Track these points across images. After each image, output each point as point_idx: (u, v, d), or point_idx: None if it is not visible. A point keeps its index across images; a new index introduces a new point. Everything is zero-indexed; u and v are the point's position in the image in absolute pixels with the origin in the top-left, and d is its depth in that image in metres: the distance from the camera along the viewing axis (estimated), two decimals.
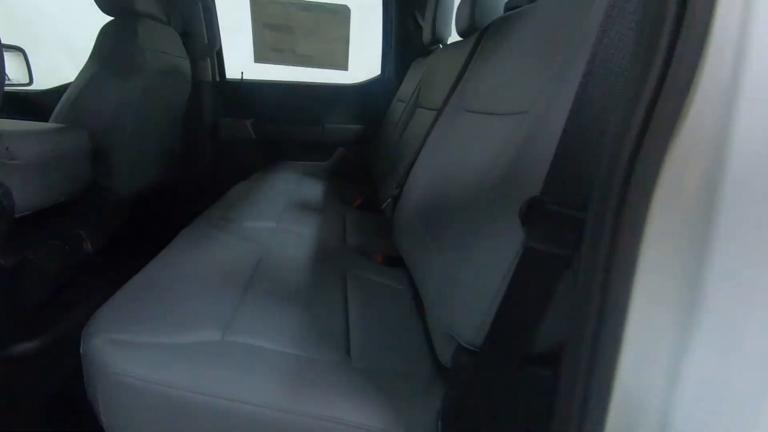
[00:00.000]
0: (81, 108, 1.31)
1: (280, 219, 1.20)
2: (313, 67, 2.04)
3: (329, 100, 2.06)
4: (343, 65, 2.06)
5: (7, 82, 1.96)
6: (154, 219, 1.93)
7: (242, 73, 2.01)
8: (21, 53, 1.97)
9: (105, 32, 1.32)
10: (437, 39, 1.52)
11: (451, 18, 1.53)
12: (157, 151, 1.65)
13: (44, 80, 1.97)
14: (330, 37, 1.99)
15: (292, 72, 2.05)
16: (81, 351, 0.59)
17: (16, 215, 1.01)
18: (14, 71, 1.99)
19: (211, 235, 1.00)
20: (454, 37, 1.56)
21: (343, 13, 1.94)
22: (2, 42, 2.00)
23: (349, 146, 2.09)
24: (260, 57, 2.00)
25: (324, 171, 2.09)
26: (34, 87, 1.94)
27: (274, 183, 1.56)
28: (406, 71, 1.89)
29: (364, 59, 2.14)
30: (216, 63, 1.96)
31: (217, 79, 1.98)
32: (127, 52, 1.32)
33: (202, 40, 1.83)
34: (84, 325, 0.62)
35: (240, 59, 2.05)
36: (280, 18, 1.92)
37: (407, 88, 1.72)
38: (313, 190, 1.63)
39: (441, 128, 1.00)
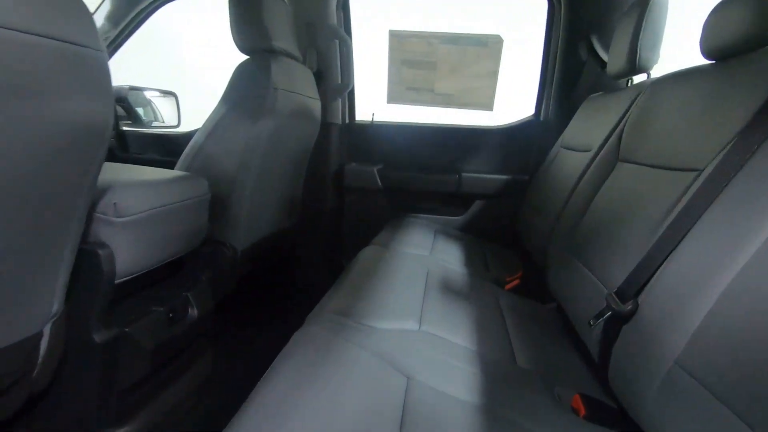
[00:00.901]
0: (206, 154, 1.19)
1: (420, 317, 0.87)
2: (453, 107, 1.76)
3: (468, 145, 1.74)
4: (488, 105, 1.74)
5: (159, 123, 2.05)
6: (268, 275, 1.78)
7: (373, 114, 1.81)
8: (174, 97, 2.05)
9: (239, 71, 1.19)
10: (639, 67, 1.11)
11: (661, 38, 1.11)
12: (279, 198, 1.49)
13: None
14: (476, 73, 1.69)
15: (428, 113, 1.80)
16: None
17: (118, 280, 0.85)
18: (167, 114, 2.09)
19: (336, 348, 0.69)
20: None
21: (495, 44, 1.64)
22: (159, 88, 2.11)
23: (490, 200, 1.73)
24: (394, 97, 1.79)
25: (459, 228, 1.75)
26: (181, 129, 2.00)
27: (405, 252, 1.25)
28: (573, 110, 1.49)
29: (509, 96, 1.79)
30: (347, 104, 1.79)
31: (347, 120, 1.81)
32: (259, 91, 1.17)
33: (336, 79, 1.68)
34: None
35: (371, 98, 1.87)
36: (420, 53, 1.69)
37: (581, 131, 1.32)
38: (452, 258, 1.29)
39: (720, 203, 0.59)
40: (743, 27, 0.70)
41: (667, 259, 0.60)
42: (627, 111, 1.04)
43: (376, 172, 1.74)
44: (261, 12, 1.19)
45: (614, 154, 0.98)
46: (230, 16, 1.21)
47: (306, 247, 1.83)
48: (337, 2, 1.61)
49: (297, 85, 1.35)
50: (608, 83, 1.49)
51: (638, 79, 1.24)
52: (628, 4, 1.36)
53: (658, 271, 0.61)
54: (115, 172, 0.91)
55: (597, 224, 0.92)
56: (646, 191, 0.80)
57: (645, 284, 0.62)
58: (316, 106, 1.53)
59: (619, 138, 0.99)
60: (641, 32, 1.09)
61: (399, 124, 1.79)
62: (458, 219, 1.76)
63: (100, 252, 0.80)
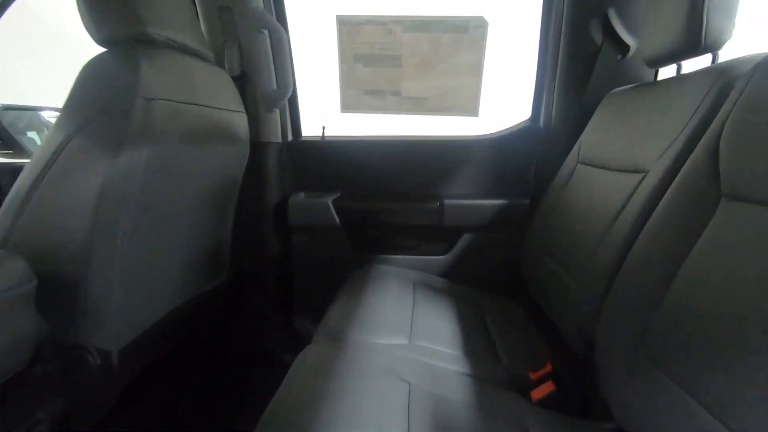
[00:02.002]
0: (34, 211, 0.73)
1: None
2: (427, 114, 1.35)
3: (450, 162, 1.34)
4: (471, 109, 1.34)
5: None
6: (187, 361, 1.30)
7: (323, 128, 1.38)
8: None
9: (86, 74, 0.74)
10: (708, 44, 0.73)
11: (737, 5, 0.73)
12: (191, 254, 1.04)
13: None
14: (454, 68, 1.29)
15: (395, 124, 1.38)
16: None
17: None
18: None
19: None
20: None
21: (478, 29, 1.24)
22: (53, 107, 1.60)
23: (481, 233, 1.32)
24: (350, 104, 1.37)
25: (444, 271, 1.34)
26: None
27: (370, 347, 0.82)
28: (586, 111, 1.11)
29: (499, 96, 1.40)
30: (288, 116, 1.35)
31: (289, 138, 1.37)
32: (118, 105, 0.72)
33: (269, 84, 1.24)
34: None
35: (321, 107, 1.44)
36: (380, 45, 1.28)
37: (610, 141, 0.94)
38: (443, 343, 0.87)
39: None
40: None
41: None
42: (711, 112, 0.65)
43: (330, 203, 1.31)
44: None
45: (709, 183, 0.59)
46: None
47: (243, 311, 1.38)
48: None
49: (199, 92, 0.91)
50: (633, 75, 1.12)
51: (688, 65, 0.86)
52: None
53: None
54: None
55: (698, 309, 0.52)
56: None
57: None
58: (237, 121, 1.10)
59: (713, 157, 0.59)
60: None
61: (359, 139, 1.37)
62: (441, 259, 1.35)
63: None
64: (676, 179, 0.65)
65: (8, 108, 1.64)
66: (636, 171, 0.78)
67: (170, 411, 1.13)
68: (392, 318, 0.91)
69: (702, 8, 0.72)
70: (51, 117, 1.90)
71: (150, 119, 0.75)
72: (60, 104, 0.75)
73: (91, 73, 0.73)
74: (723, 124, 0.59)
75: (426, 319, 0.94)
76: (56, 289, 0.72)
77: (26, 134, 1.85)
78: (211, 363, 1.34)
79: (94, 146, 0.72)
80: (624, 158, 0.84)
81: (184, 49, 0.90)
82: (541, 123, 1.29)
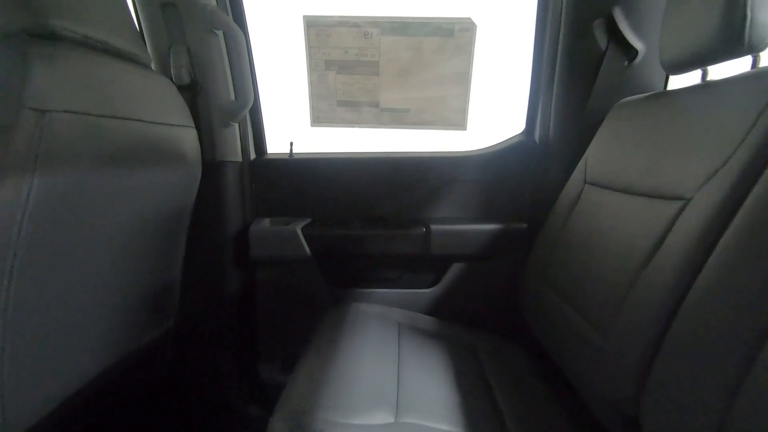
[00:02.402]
0: None
1: None
2: (409, 127, 1.20)
3: (436, 182, 1.18)
4: (459, 122, 1.20)
5: None
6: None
7: (291, 144, 1.21)
8: None
9: None
10: (752, 44, 0.60)
11: None
12: (111, 313, 0.84)
13: None
14: (439, 76, 1.14)
15: (373, 139, 1.22)
16: None
17: None
18: None
19: None
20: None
21: (465, 32, 1.09)
22: None
23: (473, 262, 1.16)
24: (321, 117, 1.20)
25: (431, 306, 1.17)
26: None
27: (353, 396, 0.64)
28: (589, 124, 0.98)
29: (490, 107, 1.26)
30: (250, 131, 1.18)
31: (251, 156, 1.19)
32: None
33: (224, 94, 1.07)
34: None
35: (289, 120, 1.27)
36: (355, 50, 1.12)
37: (614, 159, 0.80)
38: (435, 415, 0.69)
39: None
40: None
41: None
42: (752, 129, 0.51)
43: (299, 231, 1.13)
44: None
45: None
46: None
47: (194, 364, 1.17)
48: None
49: (130, 105, 0.73)
50: (640, 83, 0.99)
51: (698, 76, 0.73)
52: None
53: None
54: None
55: None
56: None
57: None
58: (184, 137, 0.91)
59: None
60: None
61: (332, 156, 1.20)
62: (428, 292, 1.18)
63: None
64: (741, 216, 0.50)
65: None
66: (670, 198, 0.63)
67: None
68: (373, 383, 0.73)
69: (744, 1, 0.58)
70: None
71: (43, 137, 0.56)
72: None
73: None
74: None
75: (415, 382, 0.76)
76: None
77: None
78: (161, 427, 1.12)
79: None
80: (649, 181, 0.70)
81: (106, 49, 0.72)
82: (537, 137, 1.15)
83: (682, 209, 0.59)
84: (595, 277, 0.74)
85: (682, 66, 0.73)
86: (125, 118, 0.72)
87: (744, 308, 0.45)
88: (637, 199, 0.71)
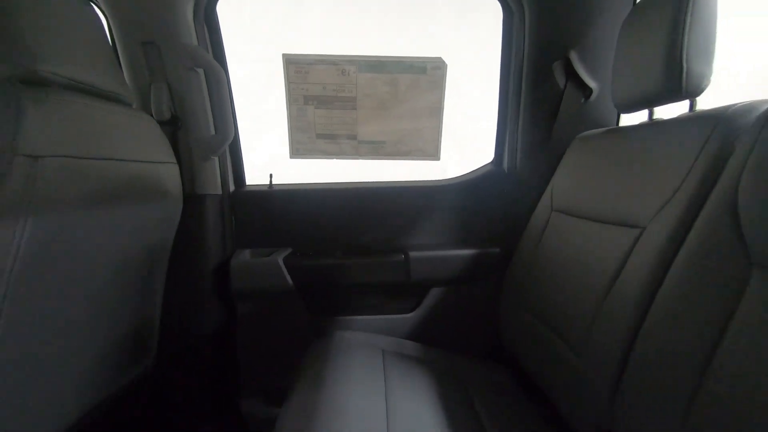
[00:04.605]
0: None
1: None
2: (386, 158, 1.25)
3: (413, 210, 1.23)
4: (432, 153, 1.26)
5: None
6: None
7: (271, 176, 1.23)
8: None
9: None
10: (689, 90, 0.69)
11: (715, 50, 0.70)
12: (91, 355, 0.82)
13: None
14: (413, 110, 1.21)
15: (354, 169, 1.27)
16: None
17: None
18: None
19: None
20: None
21: (437, 71, 1.17)
22: None
23: (451, 286, 1.21)
24: (300, 149, 1.23)
25: (412, 332, 1.20)
26: None
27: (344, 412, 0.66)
28: (552, 155, 1.06)
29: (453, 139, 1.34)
30: (229, 164, 1.19)
31: (231, 188, 1.20)
32: None
33: (205, 129, 1.08)
34: None
35: (268, 152, 1.30)
36: (333, 86, 1.17)
37: (577, 188, 0.87)
38: (423, 425, 0.72)
39: None
40: None
41: None
42: (716, 166, 0.59)
43: (281, 261, 1.14)
44: (9, 8, 0.59)
45: (730, 248, 0.51)
46: None
47: (174, 400, 1.14)
48: (195, 10, 1.03)
49: (115, 145, 0.74)
50: (595, 118, 1.09)
51: (664, 112, 0.82)
52: (622, 6, 0.98)
53: None
54: None
55: (747, 398, 0.43)
56: None
57: None
58: (166, 173, 0.92)
59: (732, 218, 0.52)
60: (686, 32, 0.67)
61: (311, 187, 1.23)
62: (409, 317, 1.21)
63: None
64: (691, 242, 0.57)
65: None
66: (628, 225, 0.70)
67: None
68: (363, 417, 0.75)
69: (681, 54, 0.67)
70: None
71: (36, 183, 0.56)
72: None
73: None
74: (736, 181, 0.52)
75: (404, 414, 0.78)
76: None
77: None
78: None
79: None
80: (609, 210, 0.77)
81: (92, 92, 0.73)
82: (505, 166, 1.23)
83: (638, 236, 0.66)
84: (566, 298, 0.79)
85: (631, 106, 0.82)
86: (110, 159, 0.73)
87: (696, 327, 0.51)
88: (600, 226, 0.78)
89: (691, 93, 0.69)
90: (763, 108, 0.55)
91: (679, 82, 0.68)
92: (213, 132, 1.10)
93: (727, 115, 0.61)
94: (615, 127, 0.95)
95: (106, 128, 0.73)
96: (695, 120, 0.67)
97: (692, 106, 0.75)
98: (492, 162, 1.27)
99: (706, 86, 0.70)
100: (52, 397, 0.72)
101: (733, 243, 0.50)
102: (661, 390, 0.53)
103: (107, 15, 0.98)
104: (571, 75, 1.06)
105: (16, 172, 0.54)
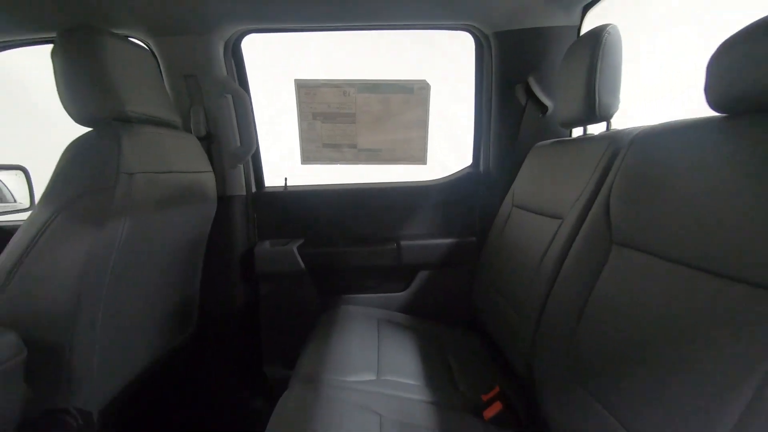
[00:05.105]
0: (20, 285, 0.77)
1: None
2: (381, 163, 1.49)
3: (403, 206, 1.48)
4: (420, 158, 1.50)
5: (3, 206, 1.55)
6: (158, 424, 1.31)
7: (285, 179, 1.48)
8: (23, 173, 1.56)
9: (70, 154, 0.80)
10: (601, 115, 0.92)
11: (620, 83, 0.93)
12: (161, 313, 1.08)
13: None
14: (403, 123, 1.45)
15: (354, 172, 1.51)
16: None
17: None
18: (18, 192, 1.61)
19: None
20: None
21: (422, 91, 1.41)
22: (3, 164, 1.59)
23: (435, 269, 1.46)
24: (310, 156, 1.48)
25: (404, 307, 1.45)
26: None
27: (343, 385, 0.91)
28: (518, 159, 1.30)
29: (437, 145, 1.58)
30: (252, 170, 1.45)
31: (253, 189, 1.45)
32: (103, 181, 0.79)
33: (233, 142, 1.34)
34: None
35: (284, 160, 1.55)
36: (336, 104, 1.41)
37: (537, 190, 1.11)
38: (407, 377, 0.97)
39: None
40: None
41: None
42: (604, 172, 0.83)
43: (295, 250, 1.39)
44: (101, 65, 0.83)
45: (604, 232, 0.75)
46: (55, 75, 0.83)
47: (212, 362, 1.41)
48: (225, 48, 1.28)
49: (170, 161, 0.99)
50: (553, 129, 1.32)
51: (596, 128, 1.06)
52: (569, 40, 1.21)
53: None
54: None
55: (602, 335, 0.67)
56: (683, 295, 0.56)
57: None
58: (206, 180, 1.18)
59: (606, 211, 0.76)
60: (597, 73, 0.90)
61: (319, 188, 1.48)
62: (401, 295, 1.46)
63: None
64: (583, 227, 0.81)
65: None
66: (556, 217, 0.94)
67: None
68: (360, 357, 1.01)
69: (594, 89, 0.91)
70: None
71: (131, 193, 0.82)
72: None
73: (76, 153, 0.80)
74: (611, 184, 0.77)
75: (391, 356, 1.04)
76: (40, 357, 0.76)
77: None
78: (185, 414, 1.34)
79: (80, 221, 0.78)
80: (548, 205, 1.01)
81: (157, 122, 0.98)
82: (481, 168, 1.47)
83: (560, 226, 0.90)
84: (516, 276, 1.04)
85: (569, 124, 1.06)
86: (170, 172, 0.98)
87: (577, 287, 0.75)
88: (541, 218, 1.02)
89: (603, 117, 0.93)
90: (635, 133, 0.79)
91: (594, 109, 0.92)
92: (239, 144, 1.35)
93: (615, 138, 0.85)
94: (559, 139, 1.18)
95: (166, 148, 0.99)
96: (602, 138, 0.91)
97: (608, 126, 0.98)
98: (470, 165, 1.51)
99: (615, 111, 0.93)
100: (133, 348, 0.99)
101: (605, 229, 0.75)
102: (557, 331, 0.78)
103: (157, 55, 1.23)
104: (531, 95, 1.29)
105: (119, 186, 0.80)
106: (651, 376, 0.55)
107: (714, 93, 0.57)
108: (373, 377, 0.94)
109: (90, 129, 0.84)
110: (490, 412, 0.84)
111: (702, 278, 0.53)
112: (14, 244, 0.78)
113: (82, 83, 0.82)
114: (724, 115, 0.59)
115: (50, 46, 0.84)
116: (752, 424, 0.42)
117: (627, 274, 0.67)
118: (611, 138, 0.87)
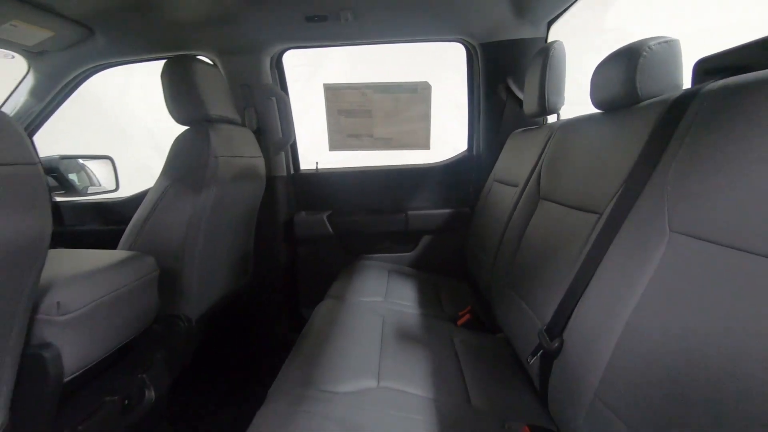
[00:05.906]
0: (150, 229, 1.18)
1: (378, 372, 0.91)
2: (393, 149, 1.85)
3: (411, 183, 1.84)
4: (424, 145, 1.85)
5: (96, 188, 1.99)
6: (226, 338, 1.75)
7: (317, 163, 1.86)
8: (110, 161, 2.01)
9: (178, 144, 1.20)
10: (549, 109, 1.24)
11: (564, 83, 1.25)
12: (231, 259, 1.49)
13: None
14: (410, 117, 1.80)
15: (371, 156, 1.88)
16: None
17: (67, 378, 0.82)
18: (104, 178, 2.04)
19: (298, 421, 0.72)
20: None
21: (424, 90, 1.76)
22: (93, 154, 2.06)
23: (436, 234, 1.81)
24: (336, 144, 1.86)
25: (411, 264, 1.82)
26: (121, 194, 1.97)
27: (360, 301, 1.30)
28: (501, 144, 1.63)
29: (442, 134, 1.92)
30: (290, 155, 1.84)
31: (292, 171, 1.85)
32: (199, 162, 1.18)
33: (276, 134, 1.72)
34: None
35: (315, 148, 1.93)
36: (356, 103, 1.78)
37: (509, 166, 1.44)
38: (407, 300, 1.35)
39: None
40: (617, 87, 0.80)
41: (581, 298, 0.69)
42: (543, 150, 1.16)
43: (325, 219, 1.78)
44: (194, 83, 1.21)
45: (536, 191, 1.09)
46: (164, 90, 1.22)
47: (262, 303, 1.82)
48: (271, 61, 1.67)
49: (237, 148, 1.38)
50: (528, 120, 1.64)
51: (552, 118, 1.38)
52: (537, 49, 1.52)
53: (576, 309, 0.69)
54: (55, 263, 0.89)
55: (528, 259, 1.01)
56: (564, 229, 0.87)
57: (567, 322, 0.70)
58: (259, 163, 1.57)
59: (539, 176, 1.10)
60: (546, 79, 1.22)
61: (343, 169, 1.86)
62: (409, 255, 1.83)
63: (45, 354, 0.77)
64: (528, 192, 1.15)
65: (64, 157, 2.07)
66: (514, 185, 1.28)
67: (213, 373, 1.56)
68: (373, 288, 1.38)
69: (544, 90, 1.23)
70: (85, 161, 2.33)
71: (217, 171, 1.21)
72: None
73: (180, 144, 1.20)
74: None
75: (397, 290, 1.42)
76: (164, 276, 1.16)
77: (68, 176, 2.28)
78: (243, 339, 1.77)
79: (185, 190, 1.17)
80: (516, 179, 1.34)
81: (226, 120, 1.38)
82: (474, 152, 1.81)
83: (521, 193, 1.24)
84: (493, 234, 1.38)
85: (533, 116, 1.38)
86: (237, 156, 1.37)
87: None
88: (512, 189, 1.36)
89: (552, 111, 1.25)
90: (572, 121, 1.11)
91: (544, 105, 1.24)
92: (281, 136, 1.74)
93: (555, 127, 1.17)
94: (528, 128, 1.50)
95: (235, 139, 1.38)
96: (543, 128, 1.24)
97: (558, 117, 1.31)
98: (466, 149, 1.86)
99: (561, 107, 1.26)
100: (217, 276, 1.39)
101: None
102: (504, 261, 1.12)
103: (221, 69, 1.63)
104: (510, 93, 1.62)
105: (210, 165, 1.19)
106: (544, 277, 0.89)
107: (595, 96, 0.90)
108: (381, 299, 1.32)
109: (187, 127, 1.23)
110: (461, 321, 1.20)
111: (572, 213, 0.86)
112: (145, 202, 1.19)
113: (182, 96, 1.22)
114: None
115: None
116: None
117: (544, 219, 1.01)
118: (549, 128, 1.19)
